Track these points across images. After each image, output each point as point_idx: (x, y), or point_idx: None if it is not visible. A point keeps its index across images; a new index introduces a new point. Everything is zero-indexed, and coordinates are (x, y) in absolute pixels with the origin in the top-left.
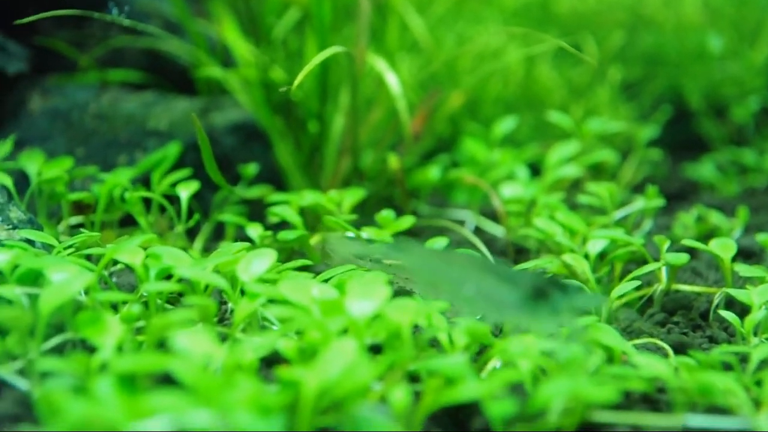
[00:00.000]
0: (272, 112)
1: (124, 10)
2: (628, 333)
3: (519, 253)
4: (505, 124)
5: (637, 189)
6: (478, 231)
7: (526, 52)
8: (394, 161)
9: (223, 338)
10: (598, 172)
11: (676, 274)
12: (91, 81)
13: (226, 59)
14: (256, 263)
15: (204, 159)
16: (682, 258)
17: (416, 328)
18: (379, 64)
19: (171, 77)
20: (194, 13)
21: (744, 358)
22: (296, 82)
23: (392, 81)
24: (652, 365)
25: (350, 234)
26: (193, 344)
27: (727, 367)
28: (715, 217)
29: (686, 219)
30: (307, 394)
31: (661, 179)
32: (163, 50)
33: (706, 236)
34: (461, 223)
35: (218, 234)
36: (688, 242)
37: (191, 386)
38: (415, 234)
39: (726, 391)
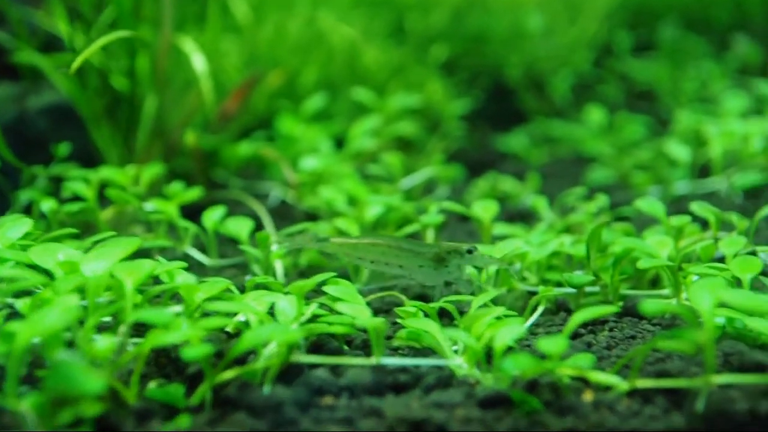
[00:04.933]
0: (91, 95)
1: None
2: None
3: (310, 218)
4: (314, 102)
5: (449, 160)
6: (283, 201)
7: (347, 33)
8: (190, 138)
9: None
10: (406, 145)
11: (444, 235)
12: None
13: (58, 46)
14: (11, 231)
15: None
16: (437, 219)
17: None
18: (186, 46)
19: None
20: (31, 2)
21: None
22: (73, 67)
23: (198, 62)
24: (355, 314)
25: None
26: None
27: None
28: (507, 184)
29: (482, 185)
30: (17, 343)
31: (473, 150)
32: None
33: (499, 200)
34: (266, 195)
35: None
36: (447, 205)
37: None
38: (215, 204)
39: (430, 336)
